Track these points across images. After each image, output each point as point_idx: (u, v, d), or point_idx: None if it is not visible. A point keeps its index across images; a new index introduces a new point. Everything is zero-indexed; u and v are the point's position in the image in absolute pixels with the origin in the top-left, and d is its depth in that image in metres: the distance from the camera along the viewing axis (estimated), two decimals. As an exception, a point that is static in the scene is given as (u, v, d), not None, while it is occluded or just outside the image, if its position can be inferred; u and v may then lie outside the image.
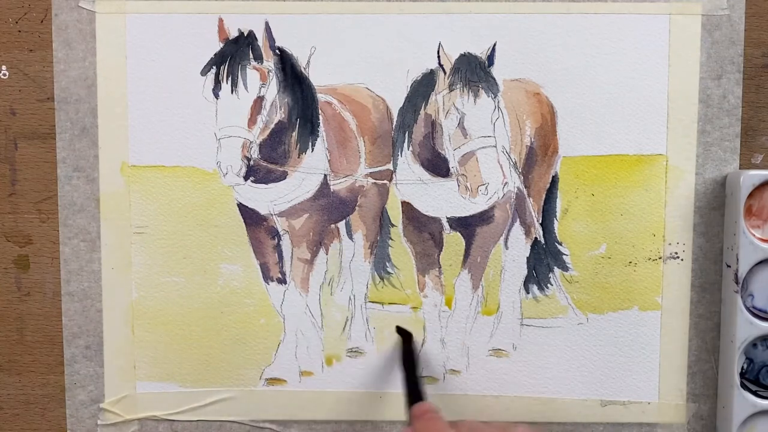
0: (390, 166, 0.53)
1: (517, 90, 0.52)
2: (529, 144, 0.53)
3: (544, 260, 0.53)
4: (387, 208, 0.53)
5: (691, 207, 0.52)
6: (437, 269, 0.53)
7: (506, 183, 0.52)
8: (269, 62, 0.52)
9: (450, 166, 0.52)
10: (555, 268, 0.53)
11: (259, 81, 0.52)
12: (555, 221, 0.53)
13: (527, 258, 0.53)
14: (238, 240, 0.53)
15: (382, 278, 0.54)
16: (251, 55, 0.52)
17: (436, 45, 0.52)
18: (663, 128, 0.52)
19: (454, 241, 0.53)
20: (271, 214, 0.53)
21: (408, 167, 0.53)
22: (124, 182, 0.53)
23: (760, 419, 0.51)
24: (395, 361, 0.52)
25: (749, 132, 0.52)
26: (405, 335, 0.52)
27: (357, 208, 0.53)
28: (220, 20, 0.52)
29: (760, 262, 0.50)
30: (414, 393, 0.48)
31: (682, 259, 0.53)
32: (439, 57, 0.52)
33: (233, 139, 0.52)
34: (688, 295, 0.53)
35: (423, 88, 0.52)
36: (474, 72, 0.52)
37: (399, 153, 0.53)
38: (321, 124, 0.53)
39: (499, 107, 0.52)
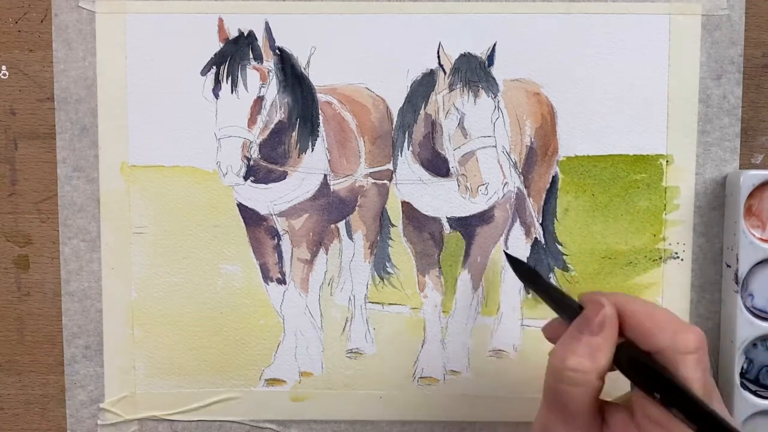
0: (390, 166, 0.53)
1: (517, 90, 0.52)
2: (529, 144, 0.53)
3: (544, 260, 0.53)
4: (387, 208, 0.53)
5: (691, 207, 0.52)
6: (437, 269, 0.53)
7: (506, 183, 0.52)
8: (269, 62, 0.52)
9: (450, 166, 0.52)
10: (555, 268, 0.53)
11: (259, 81, 0.52)
12: (555, 221, 0.53)
13: (527, 258, 0.53)
14: (238, 240, 0.53)
15: (382, 278, 0.54)
16: (251, 55, 0.52)
17: (436, 45, 0.52)
18: (663, 128, 0.52)
19: (454, 241, 0.53)
20: (271, 214, 0.53)
21: (408, 167, 0.53)
22: (124, 182, 0.53)
23: (760, 419, 0.51)
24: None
25: (749, 132, 0.52)
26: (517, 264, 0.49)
27: (357, 208, 0.53)
28: (220, 20, 0.52)
29: (760, 262, 0.50)
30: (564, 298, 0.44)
31: (682, 259, 0.53)
32: (439, 57, 0.52)
33: (233, 139, 0.52)
34: (688, 295, 0.53)
35: (423, 88, 0.52)
36: (474, 72, 0.52)
37: (399, 153, 0.53)
38: (321, 124, 0.53)
39: (499, 107, 0.52)
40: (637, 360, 0.39)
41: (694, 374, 0.37)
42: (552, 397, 0.40)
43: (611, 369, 0.40)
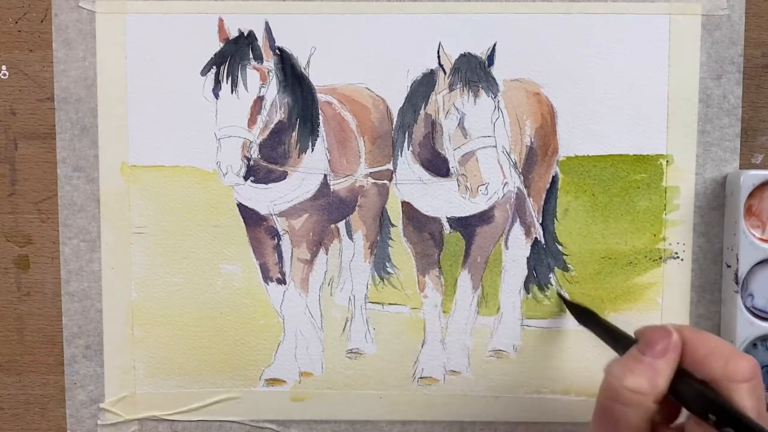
0: (390, 166, 0.53)
1: (517, 90, 0.52)
2: (529, 144, 0.53)
3: (544, 260, 0.53)
4: (387, 208, 0.53)
5: (691, 207, 0.52)
6: (437, 269, 0.53)
7: (506, 183, 0.52)
8: (269, 62, 0.52)
9: (450, 166, 0.52)
10: (555, 268, 0.53)
11: (259, 81, 0.52)
12: (555, 221, 0.53)
13: (527, 258, 0.53)
14: (238, 240, 0.53)
15: (382, 278, 0.54)
16: (251, 55, 0.52)
17: (436, 45, 0.52)
18: (663, 128, 0.52)
19: (454, 241, 0.53)
20: (271, 214, 0.53)
21: (408, 167, 0.53)
22: (124, 182, 0.53)
23: (760, 419, 0.51)
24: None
25: (749, 132, 0.52)
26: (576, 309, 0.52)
27: (357, 208, 0.53)
28: (220, 20, 0.52)
29: (760, 262, 0.50)
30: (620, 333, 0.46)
31: (682, 259, 0.53)
32: (439, 57, 0.52)
33: (233, 139, 0.52)
34: (688, 295, 0.53)
35: (423, 88, 0.52)
36: (474, 72, 0.52)
37: (399, 153, 0.53)
38: (321, 124, 0.53)
39: (499, 107, 0.52)
40: (691, 386, 0.39)
41: (747, 402, 0.37)
42: (604, 416, 0.40)
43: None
